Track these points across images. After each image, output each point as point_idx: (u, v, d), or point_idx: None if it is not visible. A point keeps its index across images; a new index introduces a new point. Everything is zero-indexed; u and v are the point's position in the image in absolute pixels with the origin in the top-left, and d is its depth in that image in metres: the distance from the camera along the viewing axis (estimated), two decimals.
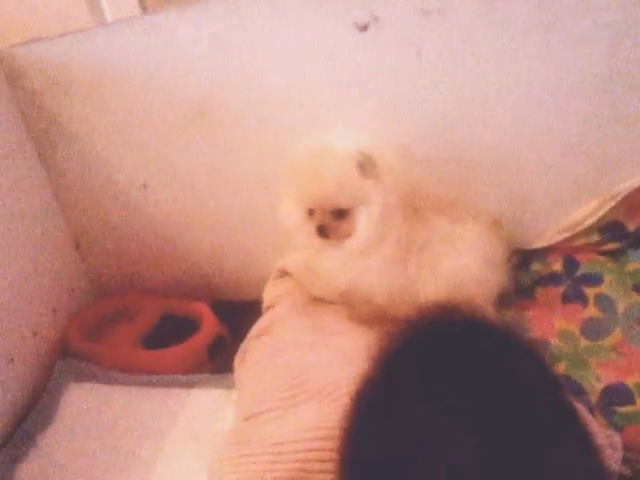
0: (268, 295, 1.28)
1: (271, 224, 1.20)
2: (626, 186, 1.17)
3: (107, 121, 1.30)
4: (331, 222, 1.07)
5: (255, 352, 1.11)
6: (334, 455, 0.81)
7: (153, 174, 1.34)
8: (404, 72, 1.14)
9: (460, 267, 1.07)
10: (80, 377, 1.24)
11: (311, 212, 1.09)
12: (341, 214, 1.07)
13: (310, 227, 1.09)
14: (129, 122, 1.29)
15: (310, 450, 0.83)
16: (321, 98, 1.19)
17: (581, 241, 1.21)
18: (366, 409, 0.65)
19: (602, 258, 1.20)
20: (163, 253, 1.43)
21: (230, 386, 1.15)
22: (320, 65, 1.17)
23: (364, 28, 1.12)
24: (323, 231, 1.08)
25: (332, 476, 0.79)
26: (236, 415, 1.03)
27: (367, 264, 1.09)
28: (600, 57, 1.09)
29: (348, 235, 1.08)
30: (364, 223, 1.06)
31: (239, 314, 1.31)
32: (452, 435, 0.54)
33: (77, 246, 1.45)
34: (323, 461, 0.81)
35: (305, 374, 1.00)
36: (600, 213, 1.18)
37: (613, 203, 1.17)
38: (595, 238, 1.20)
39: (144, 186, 1.35)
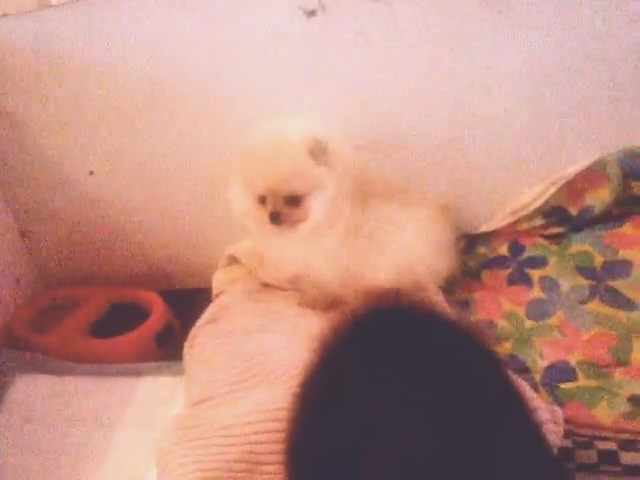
0: (217, 282, 1.28)
1: (221, 211, 1.20)
2: (568, 171, 1.20)
3: (52, 107, 1.26)
4: (284, 209, 1.06)
5: (204, 338, 1.11)
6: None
7: (100, 161, 1.31)
8: (353, 58, 1.15)
9: (409, 250, 1.09)
10: (26, 367, 1.22)
11: (262, 199, 1.08)
12: (294, 201, 1.06)
13: (262, 214, 1.07)
14: (75, 108, 1.26)
15: (261, 432, 0.83)
16: (271, 84, 1.19)
17: (525, 225, 1.24)
18: (313, 397, 0.63)
19: (546, 242, 1.23)
20: (111, 242, 1.41)
21: (179, 373, 1.14)
22: (270, 51, 1.16)
23: (312, 14, 1.12)
24: (276, 218, 1.06)
25: (280, 458, 0.81)
26: (185, 400, 1.02)
27: (317, 249, 1.10)
28: (549, 44, 1.12)
29: (300, 221, 1.07)
30: (316, 209, 1.06)
31: (189, 302, 1.31)
32: (402, 425, 0.53)
33: (22, 234, 1.42)
34: (274, 442, 0.82)
35: (256, 357, 1.00)
36: (543, 198, 1.21)
37: (556, 188, 1.20)
38: (539, 222, 1.23)
39: (91, 173, 1.32)
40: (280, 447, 0.80)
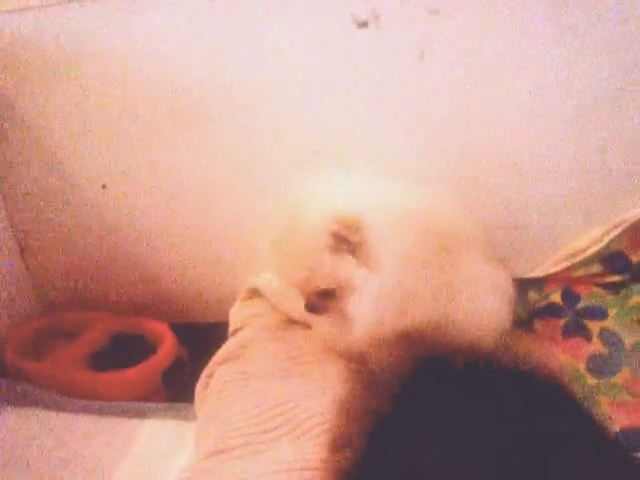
0: (235, 317, 1.14)
1: (243, 236, 1.08)
2: (630, 215, 1.09)
3: (67, 110, 1.17)
4: (318, 301, 0.89)
5: (221, 379, 0.98)
6: None
7: (114, 174, 1.20)
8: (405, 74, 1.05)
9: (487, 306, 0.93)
10: (16, 399, 1.09)
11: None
12: (327, 293, 0.87)
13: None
14: (91, 114, 1.16)
15: None
16: (309, 97, 1.08)
17: (580, 272, 1.12)
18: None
19: (603, 291, 1.11)
20: (119, 264, 1.29)
21: (189, 417, 1.02)
22: (314, 62, 1.06)
23: (363, 25, 1.03)
24: (312, 309, 0.90)
25: None
26: (197, 451, 0.88)
27: None
28: (613, 71, 1.02)
29: (343, 310, 0.88)
30: (355, 314, 0.87)
31: (201, 338, 1.19)
32: None
33: (22, 251, 1.30)
34: None
35: (280, 406, 0.88)
36: (602, 243, 1.11)
37: (617, 232, 1.10)
38: (596, 269, 1.12)
39: (103, 187, 1.21)
40: None
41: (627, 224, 1.09)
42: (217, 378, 0.99)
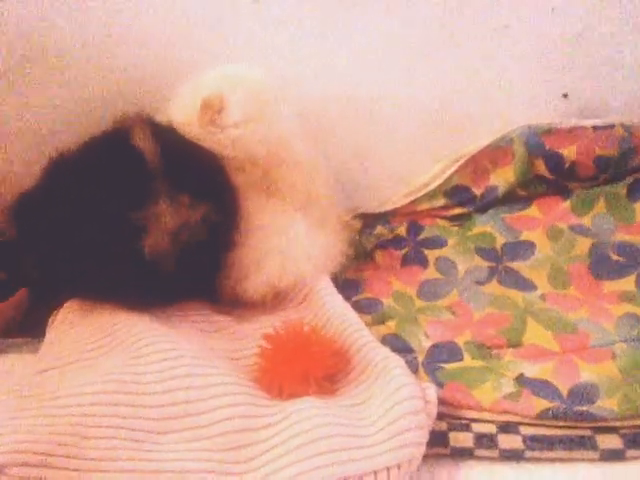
0: None
1: None
2: (471, 148, 1.14)
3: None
4: None
5: (66, 309, 1.00)
6: (118, 410, 0.73)
7: None
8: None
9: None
10: None
11: None
12: None
13: None
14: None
15: (90, 404, 0.73)
16: (147, 42, 1.09)
17: (425, 205, 1.17)
18: None
19: (447, 223, 1.16)
20: None
21: None
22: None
23: None
24: None
25: (113, 432, 0.72)
26: (33, 369, 0.90)
27: None
28: (447, 5, 1.07)
29: None
30: None
31: None
32: None
33: None
34: (103, 416, 0.72)
35: (116, 324, 0.88)
36: (444, 176, 1.15)
37: (457, 166, 1.14)
38: (440, 202, 1.17)
39: None
40: (110, 421, 0.72)
41: (466, 158, 1.13)
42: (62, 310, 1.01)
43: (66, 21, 1.07)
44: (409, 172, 1.18)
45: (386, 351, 0.81)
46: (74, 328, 0.93)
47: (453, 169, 1.14)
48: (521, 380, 0.84)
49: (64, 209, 0.86)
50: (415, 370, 0.86)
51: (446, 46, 1.10)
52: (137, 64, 1.11)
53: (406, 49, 1.11)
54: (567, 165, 1.11)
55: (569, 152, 1.11)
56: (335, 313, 0.90)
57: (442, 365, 0.88)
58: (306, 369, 0.79)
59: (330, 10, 1.07)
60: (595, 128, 1.11)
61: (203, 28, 1.09)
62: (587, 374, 0.84)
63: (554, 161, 1.11)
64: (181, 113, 0.97)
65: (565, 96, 1.15)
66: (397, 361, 0.78)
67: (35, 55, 1.10)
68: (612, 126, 1.11)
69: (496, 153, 1.13)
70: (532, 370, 0.86)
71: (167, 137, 0.93)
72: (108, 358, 0.83)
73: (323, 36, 1.09)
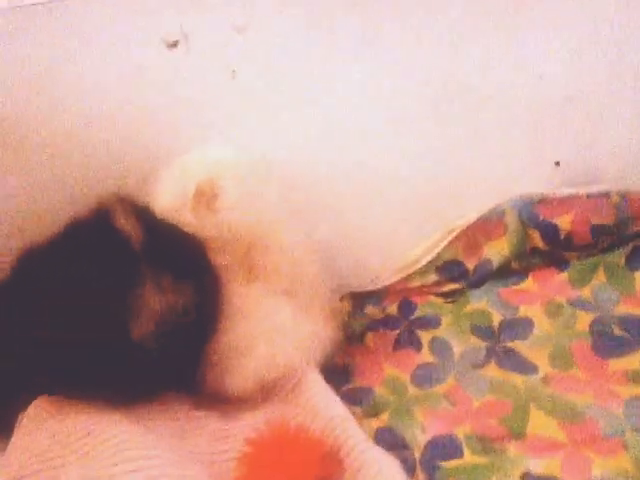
0: None
1: None
2: (462, 222, 1.09)
3: None
4: None
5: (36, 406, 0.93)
6: None
7: None
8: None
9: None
10: None
11: None
12: None
13: None
14: None
15: None
16: (126, 123, 1.05)
17: (417, 282, 1.12)
18: None
19: (440, 299, 1.11)
20: None
21: None
22: (128, 84, 1.04)
23: (174, 45, 1.01)
24: None
25: None
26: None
27: None
28: (432, 76, 1.03)
29: None
30: None
31: None
32: None
33: None
34: None
35: (85, 429, 0.82)
36: (435, 251, 1.10)
37: (448, 240, 1.09)
38: (432, 278, 1.11)
39: None
40: None
41: (457, 231, 1.09)
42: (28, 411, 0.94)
43: (47, 106, 1.03)
44: (399, 247, 1.13)
45: (379, 453, 0.74)
46: (42, 429, 0.86)
47: (444, 243, 1.09)
48: (527, 479, 0.77)
49: (44, 296, 0.83)
50: (412, 470, 0.80)
51: (433, 117, 1.07)
52: (116, 147, 1.07)
53: (392, 121, 1.07)
54: (563, 235, 1.06)
55: (564, 222, 1.06)
56: (323, 409, 0.83)
57: (441, 463, 0.81)
58: (291, 476, 0.72)
59: (312, 80, 1.04)
60: (589, 196, 1.07)
61: (182, 108, 1.05)
62: (599, 470, 0.78)
63: (550, 232, 1.07)
64: (167, 199, 0.94)
65: (557, 164, 1.11)
66: (391, 465, 0.72)
67: (11, 140, 1.05)
68: (607, 193, 1.07)
69: (488, 225, 1.09)
70: (538, 465, 0.79)
71: (148, 218, 0.90)
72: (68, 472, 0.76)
73: (304, 108, 1.06)
